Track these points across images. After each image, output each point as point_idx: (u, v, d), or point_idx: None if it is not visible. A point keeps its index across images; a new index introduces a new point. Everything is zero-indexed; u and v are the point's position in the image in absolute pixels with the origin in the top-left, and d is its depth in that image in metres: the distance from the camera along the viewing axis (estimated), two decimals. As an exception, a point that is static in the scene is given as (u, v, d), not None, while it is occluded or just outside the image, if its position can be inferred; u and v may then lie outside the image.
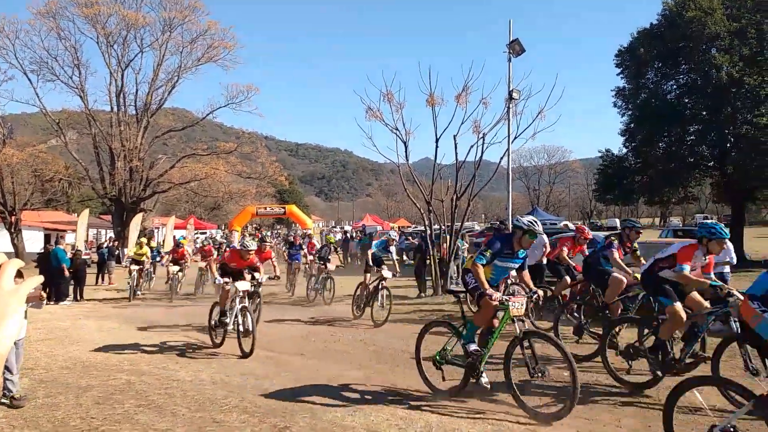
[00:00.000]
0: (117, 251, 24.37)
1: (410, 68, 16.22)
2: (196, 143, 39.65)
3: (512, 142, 14.77)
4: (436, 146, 15.11)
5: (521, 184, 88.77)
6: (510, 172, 14.97)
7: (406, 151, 15.26)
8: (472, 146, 14.95)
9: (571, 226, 38.93)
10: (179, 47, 31.89)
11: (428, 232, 15.03)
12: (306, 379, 6.57)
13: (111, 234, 31.38)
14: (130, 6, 31.29)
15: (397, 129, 14.86)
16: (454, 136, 14.98)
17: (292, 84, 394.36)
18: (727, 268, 10.20)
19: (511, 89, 15.06)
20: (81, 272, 16.39)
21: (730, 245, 10.31)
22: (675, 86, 23.35)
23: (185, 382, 6.58)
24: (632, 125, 23.68)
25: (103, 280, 20.11)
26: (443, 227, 15.24)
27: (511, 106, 15.10)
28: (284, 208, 40.14)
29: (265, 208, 39.00)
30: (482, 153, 14.82)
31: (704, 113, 21.75)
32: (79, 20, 30.24)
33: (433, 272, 14.40)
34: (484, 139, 14.84)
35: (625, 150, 24.40)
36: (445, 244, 15.06)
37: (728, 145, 21.27)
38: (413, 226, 48.84)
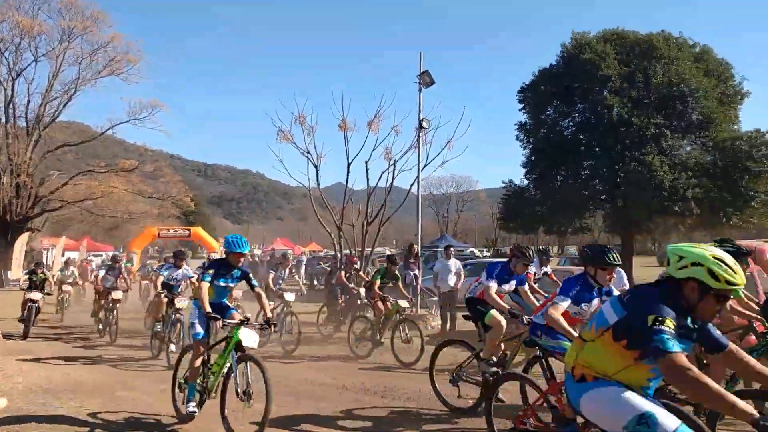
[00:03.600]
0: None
1: (323, 93, 16.25)
2: (96, 160, 37.27)
3: (422, 169, 15.04)
4: (348, 171, 15.12)
5: (431, 211, 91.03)
6: (420, 199, 15.22)
7: (317, 175, 15.16)
8: (383, 172, 15.11)
9: (477, 252, 40.29)
10: (78, 58, 30.02)
11: (338, 256, 14.90)
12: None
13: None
14: (27, 12, 29.17)
15: (308, 152, 14.72)
16: (366, 162, 15.06)
17: (205, 103, 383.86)
18: None
19: (421, 118, 15.39)
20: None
21: (623, 273, 10.98)
22: (572, 123, 24.99)
23: None
24: (533, 158, 25.01)
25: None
26: (354, 251, 15.17)
27: (421, 134, 15.43)
28: (189, 230, 38.51)
29: (168, 230, 37.21)
30: (393, 179, 15.02)
31: (597, 149, 23.37)
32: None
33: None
34: (395, 166, 15.07)
35: (526, 181, 25.68)
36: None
37: (618, 179, 22.93)
38: (324, 250, 48.50)
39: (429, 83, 15.91)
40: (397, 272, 10.16)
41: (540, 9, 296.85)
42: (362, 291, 10.59)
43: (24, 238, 27.07)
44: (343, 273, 12.02)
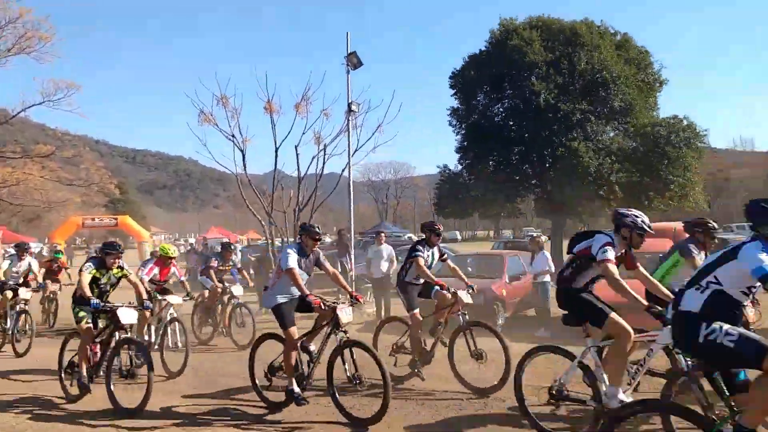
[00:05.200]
0: None
1: (247, 74, 15.83)
2: (12, 145, 34.87)
3: (353, 154, 14.91)
4: (276, 155, 14.82)
5: (371, 198, 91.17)
6: (351, 184, 15.05)
7: (243, 160, 14.76)
8: (314, 157, 14.88)
9: (415, 238, 40.65)
10: (-18, 35, 27.73)
11: (269, 244, 14.61)
12: None
13: None
14: None
15: (233, 136, 14.29)
16: (296, 147, 14.79)
17: (131, 85, 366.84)
18: (547, 277, 10.99)
19: (350, 102, 15.20)
20: None
21: (547, 254, 11.25)
22: (501, 109, 25.37)
23: None
24: (465, 143, 25.26)
25: None
26: (286, 240, 14.87)
27: (350, 118, 15.25)
28: (116, 219, 36.83)
29: (93, 219, 35.46)
30: (323, 164, 14.83)
31: (526, 135, 23.85)
32: None
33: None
34: (325, 151, 14.86)
35: (460, 167, 25.94)
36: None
37: (547, 165, 23.53)
38: (262, 239, 47.63)
39: (357, 65, 15.68)
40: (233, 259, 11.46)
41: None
42: (235, 289, 10.47)
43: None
44: (215, 263, 10.84)
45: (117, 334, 6.35)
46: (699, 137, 22.72)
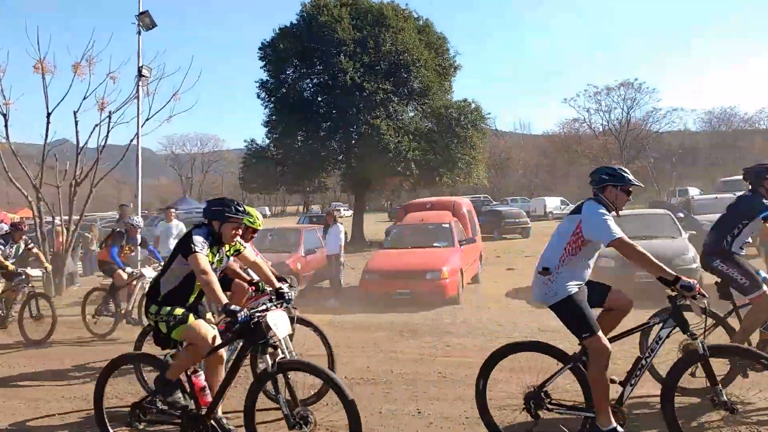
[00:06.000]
0: None
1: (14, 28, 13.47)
2: None
3: (143, 124, 13.59)
4: (48, 122, 12.89)
5: (174, 172, 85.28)
6: (140, 155, 13.67)
7: (6, 126, 12.59)
8: (96, 125, 13.23)
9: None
10: None
11: (38, 222, 12.68)
12: None
13: None
14: None
15: (-8, 97, 12.06)
16: (74, 112, 13.03)
17: None
18: (338, 250, 11.19)
19: (141, 66, 13.80)
20: None
21: (340, 227, 11.43)
22: (311, 84, 25.34)
23: None
24: (274, 117, 24.78)
25: None
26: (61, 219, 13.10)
27: (141, 84, 13.87)
28: None
29: None
30: (107, 133, 13.27)
31: (334, 112, 24.16)
32: None
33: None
34: (110, 118, 13.31)
35: (268, 141, 25.37)
36: (61, 237, 13.11)
37: (353, 141, 24.13)
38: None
39: (149, 25, 14.28)
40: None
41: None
42: (32, 271, 8.53)
43: None
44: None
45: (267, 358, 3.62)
46: (483, 119, 25.16)
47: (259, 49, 25.24)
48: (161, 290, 3.98)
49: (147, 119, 13.59)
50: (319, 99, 25.01)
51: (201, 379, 4.00)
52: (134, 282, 8.33)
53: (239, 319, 3.50)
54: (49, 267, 9.30)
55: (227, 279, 5.25)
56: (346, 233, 13.22)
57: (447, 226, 11.29)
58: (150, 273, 8.17)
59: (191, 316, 3.90)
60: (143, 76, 13.77)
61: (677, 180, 46.03)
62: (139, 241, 9.06)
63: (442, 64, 25.77)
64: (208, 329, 3.90)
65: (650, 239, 10.01)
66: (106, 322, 8.28)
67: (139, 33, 14.07)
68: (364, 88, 22.79)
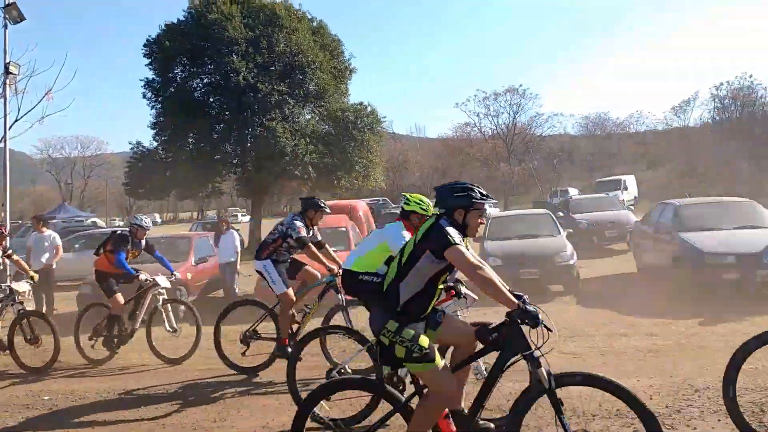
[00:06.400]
0: None
1: None
2: None
3: (11, 126, 12.43)
4: None
5: (51, 177, 78.60)
6: (7, 160, 12.43)
7: None
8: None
9: (101, 222, 36.36)
10: None
11: None
12: None
13: None
14: None
15: None
16: None
17: None
18: (233, 258, 10.84)
19: (7, 62, 12.59)
20: None
21: (235, 235, 11.09)
22: (201, 84, 24.37)
23: None
24: (162, 119, 23.58)
25: None
26: None
27: (9, 82, 12.67)
28: None
29: None
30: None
31: (227, 113, 23.42)
32: None
33: None
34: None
35: (155, 143, 24.09)
36: None
37: (248, 144, 23.50)
38: None
39: (17, 18, 13.07)
40: None
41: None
42: (18, 285, 7.38)
43: None
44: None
45: None
46: (379, 123, 25.54)
47: (144, 46, 23.95)
48: (400, 297, 3.24)
49: (16, 120, 12.50)
50: (211, 100, 24.15)
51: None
52: (146, 293, 7.39)
53: (540, 321, 2.98)
54: (36, 277, 7.74)
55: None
56: (242, 240, 12.84)
57: (343, 229, 11.29)
58: (164, 282, 7.35)
59: (439, 357, 3.22)
60: (11, 73, 12.60)
61: (559, 181, 49.38)
62: (144, 245, 7.68)
63: (338, 66, 25.81)
64: (452, 376, 3.30)
65: (533, 238, 10.72)
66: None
67: (5, 26, 12.88)
68: (259, 89, 22.28)
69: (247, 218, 35.33)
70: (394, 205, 40.92)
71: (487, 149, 60.70)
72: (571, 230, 13.27)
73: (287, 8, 24.52)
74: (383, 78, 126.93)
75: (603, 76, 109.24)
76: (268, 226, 7.71)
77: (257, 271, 6.56)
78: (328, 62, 24.78)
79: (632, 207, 28.98)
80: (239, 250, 10.60)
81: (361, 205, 14.30)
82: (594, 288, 10.35)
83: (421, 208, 4.97)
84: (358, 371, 5.29)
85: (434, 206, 3.39)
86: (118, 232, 7.80)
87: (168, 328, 7.23)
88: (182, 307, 8.25)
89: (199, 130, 23.57)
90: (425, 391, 3.26)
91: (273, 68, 23.34)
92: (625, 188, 35.91)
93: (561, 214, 18.57)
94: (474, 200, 3.28)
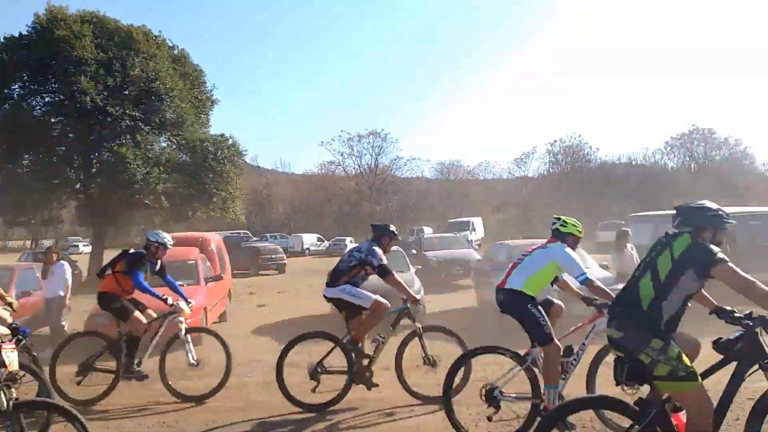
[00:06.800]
0: None
1: None
2: None
3: None
4: None
5: None
6: None
7: None
8: None
9: None
10: None
11: None
12: None
13: None
14: None
15: None
16: None
17: None
18: (61, 292, 9.59)
19: None
20: None
21: (66, 267, 10.23)
22: (42, 103, 22.49)
23: None
24: (-7, 138, 21.26)
25: None
26: None
27: None
28: None
29: None
30: None
31: (71, 135, 21.79)
32: None
33: None
34: None
35: (-18, 164, 21.57)
36: None
37: (93, 169, 21.95)
38: None
39: None
40: None
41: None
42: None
43: None
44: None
45: None
46: (240, 155, 25.25)
47: (-22, 57, 21.57)
48: (663, 315, 3.27)
49: None
50: (53, 120, 22.30)
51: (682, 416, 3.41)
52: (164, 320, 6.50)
53: None
54: (16, 304, 6.42)
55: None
56: (80, 272, 11.83)
57: (192, 262, 10.99)
58: (187, 308, 6.52)
59: (699, 378, 3.24)
60: None
61: (415, 220, 51.92)
62: (158, 267, 6.76)
63: (199, 96, 25.21)
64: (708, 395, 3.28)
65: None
66: (98, 382, 6.25)
67: None
68: (108, 113, 21.03)
69: (89, 248, 32.56)
70: (255, 239, 40.25)
71: (349, 188, 62.28)
72: (420, 267, 14.11)
73: (145, 33, 23.56)
74: (251, 112, 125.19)
75: (457, 126, 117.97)
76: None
77: (331, 298, 6.18)
78: (189, 91, 24.15)
79: (478, 246, 31.36)
80: (69, 283, 9.58)
81: (215, 239, 13.94)
82: (436, 322, 11.01)
83: (578, 230, 5.07)
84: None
85: (674, 225, 3.52)
86: (131, 250, 6.89)
87: (192, 360, 6.45)
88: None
89: (36, 152, 21.65)
90: (681, 413, 3.40)
91: (126, 92, 22.20)
92: (473, 229, 38.95)
93: (414, 251, 19.67)
94: (725, 220, 3.41)
